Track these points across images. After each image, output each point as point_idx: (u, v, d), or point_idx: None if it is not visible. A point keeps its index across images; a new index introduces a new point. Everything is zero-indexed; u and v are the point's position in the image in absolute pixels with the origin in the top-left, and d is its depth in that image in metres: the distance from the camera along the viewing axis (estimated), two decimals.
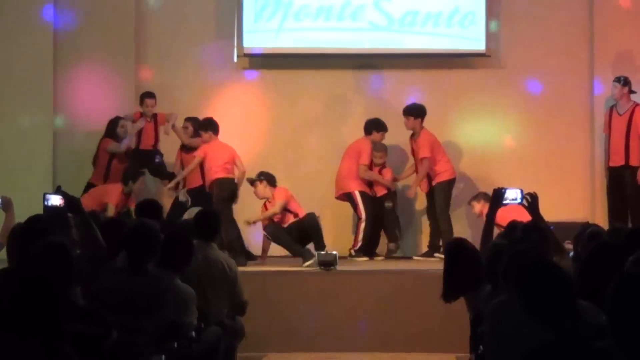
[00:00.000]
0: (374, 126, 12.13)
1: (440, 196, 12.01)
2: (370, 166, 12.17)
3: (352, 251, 12.03)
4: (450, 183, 12.06)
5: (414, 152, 12.15)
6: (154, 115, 12.23)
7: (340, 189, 12.22)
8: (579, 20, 12.59)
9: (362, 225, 11.98)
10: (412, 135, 12.12)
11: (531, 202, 7.78)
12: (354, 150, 12.14)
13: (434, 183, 12.05)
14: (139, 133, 12.19)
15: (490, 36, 12.60)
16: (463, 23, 12.61)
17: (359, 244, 12.03)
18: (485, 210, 8.79)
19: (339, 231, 12.59)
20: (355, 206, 12.12)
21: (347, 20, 12.68)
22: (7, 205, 8.95)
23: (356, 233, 12.13)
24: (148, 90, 12.20)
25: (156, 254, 6.56)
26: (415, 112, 12.05)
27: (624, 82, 11.85)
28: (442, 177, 12.03)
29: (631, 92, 11.89)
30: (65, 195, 7.35)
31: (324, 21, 12.71)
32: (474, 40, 12.62)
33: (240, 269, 8.48)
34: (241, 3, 12.68)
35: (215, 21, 12.89)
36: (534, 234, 6.90)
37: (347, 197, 12.18)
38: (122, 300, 6.23)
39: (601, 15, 12.47)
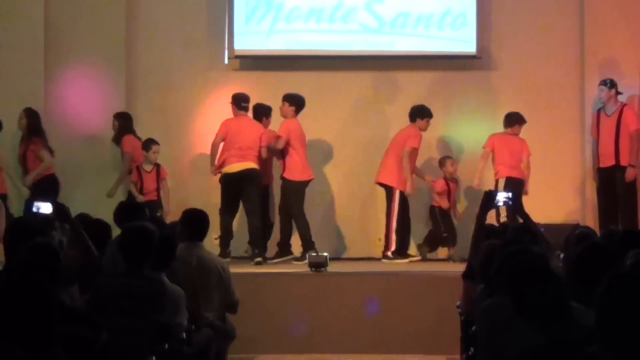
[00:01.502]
0: (418, 113, 12.09)
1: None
2: (415, 153, 12.12)
3: (390, 253, 11.95)
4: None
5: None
6: (157, 165, 12.15)
7: (382, 178, 12.20)
8: (569, 23, 12.61)
9: (393, 226, 11.88)
10: None
11: (515, 202, 7.85)
12: (399, 139, 12.11)
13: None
14: (141, 186, 12.07)
15: (481, 38, 12.59)
16: (454, 25, 12.61)
17: (394, 246, 11.96)
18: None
19: (338, 230, 12.59)
20: (390, 201, 12.07)
21: (338, 22, 12.68)
22: None
23: (387, 235, 12.07)
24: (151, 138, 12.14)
25: (152, 257, 6.54)
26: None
27: (610, 84, 11.91)
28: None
29: (618, 93, 11.92)
30: (55, 203, 7.32)
31: (315, 23, 12.70)
32: (465, 42, 12.62)
33: (232, 270, 8.46)
34: (232, 5, 12.68)
35: (206, 23, 12.88)
36: (525, 235, 6.91)
37: (386, 189, 12.16)
38: (121, 303, 6.23)
39: (591, 18, 12.49)
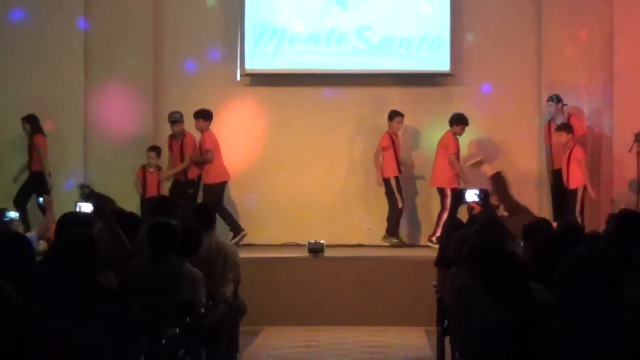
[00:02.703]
0: (455, 120, 12.00)
1: None
2: (458, 156, 11.99)
3: (434, 239, 11.75)
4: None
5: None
6: (158, 167, 12.16)
7: (434, 182, 12.12)
8: (528, 47, 12.56)
9: (444, 216, 11.57)
10: None
11: (484, 198, 7.82)
12: (441, 145, 12.05)
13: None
14: (144, 183, 12.06)
15: (454, 59, 12.56)
16: (431, 47, 12.57)
17: (438, 234, 11.66)
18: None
19: (334, 222, 12.54)
20: (443, 198, 11.90)
21: (332, 46, 12.63)
22: (48, 204, 8.92)
23: (437, 222, 11.91)
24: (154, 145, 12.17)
25: (176, 247, 6.54)
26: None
27: (557, 99, 11.92)
28: None
29: (563, 105, 11.91)
30: (96, 203, 7.27)
31: (313, 46, 12.66)
32: (440, 62, 12.58)
33: (241, 255, 8.44)
34: (243, 31, 12.63)
35: (221, 47, 12.83)
36: (493, 226, 6.88)
37: (438, 190, 12.06)
38: (148, 284, 6.23)
39: (547, 42, 12.44)
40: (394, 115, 12.07)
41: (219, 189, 12.02)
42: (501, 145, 12.51)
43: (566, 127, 11.63)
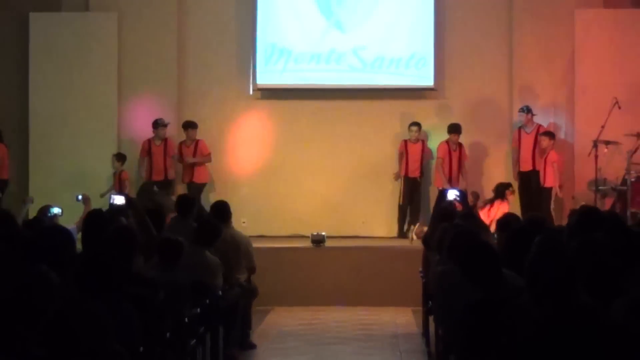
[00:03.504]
0: (449, 128, 11.99)
1: None
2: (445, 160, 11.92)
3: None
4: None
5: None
6: (121, 171, 12.06)
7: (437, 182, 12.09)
8: (502, 64, 12.49)
9: None
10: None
11: (462, 197, 7.84)
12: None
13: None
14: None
15: (437, 75, 12.55)
16: (418, 65, 12.53)
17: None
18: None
19: (334, 216, 12.54)
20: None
21: (332, 64, 12.60)
22: (87, 201, 8.93)
23: None
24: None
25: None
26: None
27: (527, 110, 11.90)
28: None
29: (533, 115, 11.88)
30: (127, 197, 7.32)
31: (315, 64, 12.62)
32: (425, 77, 12.53)
33: (254, 245, 8.44)
34: (255, 50, 12.61)
35: (236, 65, 12.79)
36: (470, 220, 6.90)
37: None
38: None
39: (518, 59, 12.39)
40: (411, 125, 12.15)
41: (203, 187, 12.12)
42: (475, 149, 12.49)
43: (550, 134, 11.73)
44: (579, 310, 3.38)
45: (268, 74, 12.64)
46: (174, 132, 12.41)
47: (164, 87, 12.52)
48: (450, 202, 8.39)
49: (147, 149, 12.09)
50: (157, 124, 12.02)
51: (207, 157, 12.18)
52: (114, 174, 12.06)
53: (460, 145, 12.07)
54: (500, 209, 11.00)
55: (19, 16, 12.43)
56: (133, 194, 10.25)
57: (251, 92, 12.77)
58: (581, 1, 12.23)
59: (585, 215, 5.52)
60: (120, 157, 12.09)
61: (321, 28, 12.63)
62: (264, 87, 12.72)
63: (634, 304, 3.53)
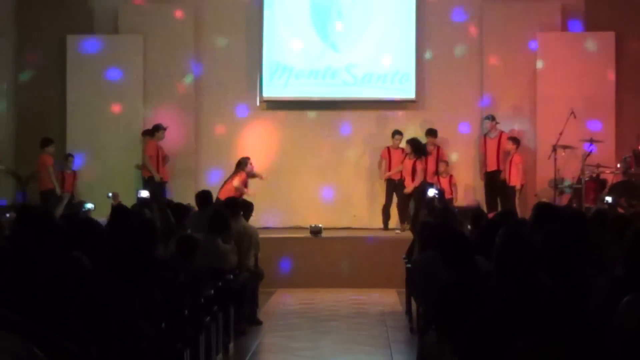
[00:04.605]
0: (426, 133, 11.94)
1: None
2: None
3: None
4: None
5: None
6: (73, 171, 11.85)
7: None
8: (473, 80, 12.49)
9: None
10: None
11: (440, 194, 7.85)
12: None
13: None
14: (63, 180, 11.61)
15: (418, 89, 12.54)
16: (401, 81, 12.54)
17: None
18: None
19: (330, 210, 12.52)
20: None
21: (328, 79, 12.60)
22: (116, 197, 8.93)
23: None
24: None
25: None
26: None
27: (492, 118, 11.91)
28: None
29: (496, 123, 11.87)
30: (152, 191, 7.32)
31: (314, 79, 12.62)
32: (407, 91, 12.53)
33: (260, 235, 8.44)
34: (261, 68, 12.61)
35: (245, 80, 12.78)
36: (448, 214, 6.91)
37: None
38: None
39: (488, 75, 12.40)
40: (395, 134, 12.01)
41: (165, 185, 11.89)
42: (449, 152, 12.49)
43: (515, 139, 11.78)
44: (540, 290, 3.39)
45: (273, 88, 12.63)
46: (191, 140, 12.38)
47: (183, 101, 12.49)
48: (432, 197, 8.47)
49: (156, 152, 11.83)
50: (159, 128, 11.89)
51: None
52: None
53: (437, 147, 12.06)
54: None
55: (57, 38, 12.40)
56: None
57: (258, 103, 12.76)
58: (542, 25, 12.26)
59: (541, 210, 5.67)
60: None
61: (319, 48, 12.63)
62: (269, 99, 12.71)
63: (616, 281, 3.56)
